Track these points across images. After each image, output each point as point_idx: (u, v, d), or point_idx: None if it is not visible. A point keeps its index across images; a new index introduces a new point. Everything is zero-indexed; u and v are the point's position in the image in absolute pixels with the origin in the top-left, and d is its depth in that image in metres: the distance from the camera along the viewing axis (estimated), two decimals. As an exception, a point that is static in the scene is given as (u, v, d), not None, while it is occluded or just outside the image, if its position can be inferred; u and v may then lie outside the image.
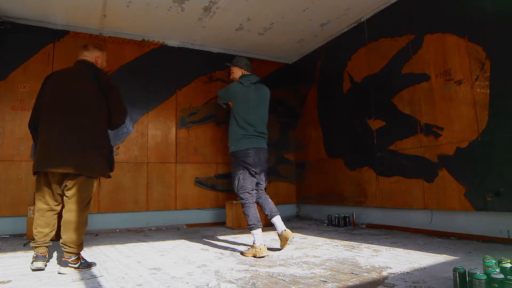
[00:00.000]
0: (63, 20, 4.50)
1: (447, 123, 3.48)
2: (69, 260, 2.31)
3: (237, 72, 3.18)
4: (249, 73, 3.18)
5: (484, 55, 3.16)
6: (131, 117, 4.84)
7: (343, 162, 4.88)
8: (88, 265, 2.42)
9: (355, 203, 4.62)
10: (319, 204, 5.45)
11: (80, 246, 2.38)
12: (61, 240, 2.35)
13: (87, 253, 2.99)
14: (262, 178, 3.10)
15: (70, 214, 2.36)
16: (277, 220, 2.90)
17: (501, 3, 3.04)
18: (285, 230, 2.85)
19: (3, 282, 2.08)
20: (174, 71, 5.20)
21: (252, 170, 2.96)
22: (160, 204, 4.86)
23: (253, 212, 2.86)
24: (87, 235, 4.14)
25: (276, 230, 2.91)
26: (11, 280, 2.13)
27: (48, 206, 2.45)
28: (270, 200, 3.05)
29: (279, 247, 2.95)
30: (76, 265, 2.34)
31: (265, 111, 3.16)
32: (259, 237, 2.76)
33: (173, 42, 5.26)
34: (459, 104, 3.37)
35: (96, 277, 2.21)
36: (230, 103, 3.16)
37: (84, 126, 2.40)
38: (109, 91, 2.52)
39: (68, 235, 2.33)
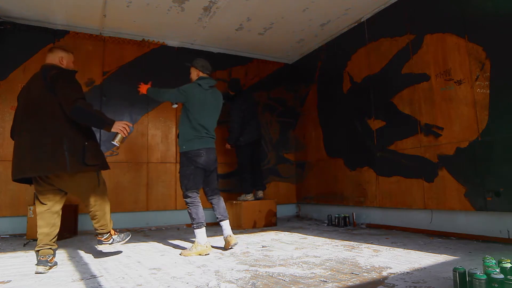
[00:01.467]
0: (63, 20, 4.50)
1: (447, 123, 3.48)
2: (102, 239, 2.68)
3: (193, 73, 3.21)
4: (206, 75, 3.20)
5: (484, 55, 3.16)
6: (131, 117, 4.84)
7: (343, 162, 4.88)
8: (122, 239, 2.75)
9: (355, 203, 4.62)
10: (319, 204, 5.45)
11: (108, 226, 2.70)
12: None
13: (88, 253, 2.99)
14: (214, 177, 3.21)
15: (90, 208, 2.61)
16: (225, 224, 3.10)
17: (501, 3, 3.04)
18: (230, 236, 3.03)
19: (3, 282, 2.08)
20: (174, 71, 5.20)
21: (204, 169, 3.05)
22: (160, 204, 4.86)
23: (201, 211, 2.97)
24: (87, 235, 4.14)
25: (222, 233, 3.11)
26: (11, 280, 2.13)
27: (46, 206, 2.51)
28: (223, 203, 3.19)
29: (224, 247, 3.09)
30: (110, 242, 2.70)
31: (217, 115, 3.22)
32: (204, 236, 2.92)
33: (173, 42, 5.26)
34: (459, 104, 3.37)
35: (96, 277, 2.21)
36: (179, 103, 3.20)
37: (42, 127, 2.41)
38: (54, 84, 2.42)
39: (95, 224, 2.67)
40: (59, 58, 2.66)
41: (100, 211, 2.64)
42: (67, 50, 2.73)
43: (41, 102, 2.45)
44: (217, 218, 3.13)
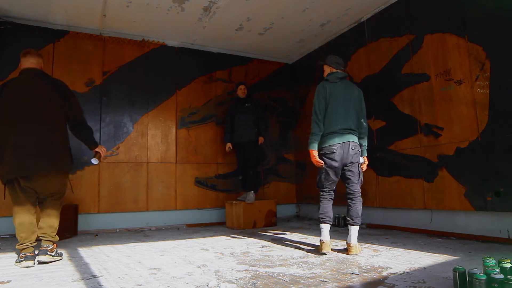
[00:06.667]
0: (63, 20, 4.50)
1: (447, 123, 3.48)
2: (48, 248, 2.54)
3: (326, 71, 3.15)
4: (337, 71, 3.09)
5: (484, 55, 3.16)
6: (131, 117, 4.84)
7: (343, 162, 4.87)
8: (60, 255, 2.67)
9: (355, 203, 4.61)
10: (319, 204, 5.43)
11: (56, 235, 2.67)
12: (40, 231, 2.59)
13: (87, 253, 2.99)
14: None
15: (50, 206, 2.63)
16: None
17: (501, 3, 3.04)
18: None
19: (3, 282, 2.08)
20: (174, 71, 5.20)
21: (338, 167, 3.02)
22: (160, 204, 4.86)
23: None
24: (87, 235, 4.14)
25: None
26: (11, 280, 2.13)
27: (30, 213, 2.62)
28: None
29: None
30: (53, 254, 2.58)
31: (354, 107, 3.00)
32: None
33: (173, 42, 5.26)
34: (459, 104, 3.37)
35: (96, 277, 2.21)
36: None
37: (50, 129, 2.63)
38: (68, 95, 2.76)
39: (49, 224, 2.62)
40: (40, 63, 2.80)
41: (58, 211, 2.71)
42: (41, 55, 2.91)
43: (49, 107, 2.64)
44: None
